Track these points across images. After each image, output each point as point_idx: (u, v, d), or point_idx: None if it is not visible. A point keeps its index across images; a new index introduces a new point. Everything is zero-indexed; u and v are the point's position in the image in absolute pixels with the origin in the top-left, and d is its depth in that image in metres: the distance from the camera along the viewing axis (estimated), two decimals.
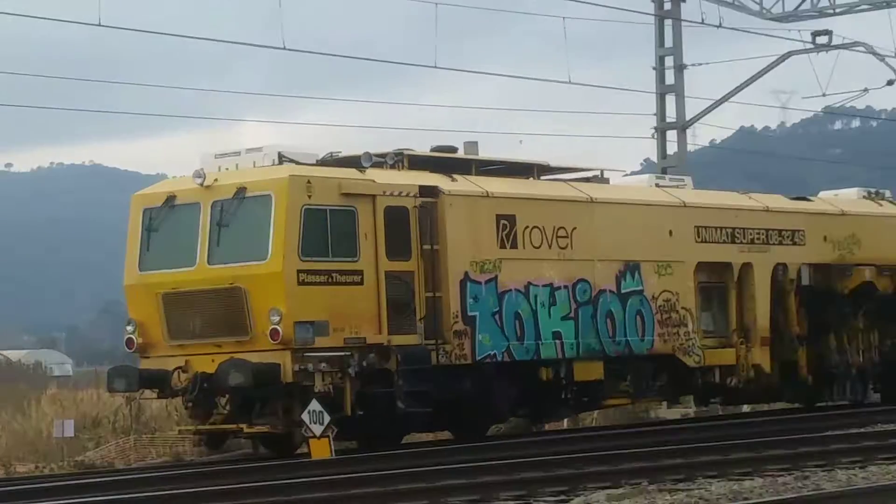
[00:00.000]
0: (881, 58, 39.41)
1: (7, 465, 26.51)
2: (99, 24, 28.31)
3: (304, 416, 22.31)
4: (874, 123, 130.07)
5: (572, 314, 26.14)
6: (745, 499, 15.08)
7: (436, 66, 35.72)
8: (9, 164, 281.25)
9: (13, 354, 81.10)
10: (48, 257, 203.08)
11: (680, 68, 39.92)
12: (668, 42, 39.83)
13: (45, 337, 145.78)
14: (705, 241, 28.73)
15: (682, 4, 39.81)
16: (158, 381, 23.62)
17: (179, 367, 23.33)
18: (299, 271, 22.85)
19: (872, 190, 34.06)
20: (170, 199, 24.10)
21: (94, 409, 32.17)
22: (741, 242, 29.35)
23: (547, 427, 29.29)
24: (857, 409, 30.43)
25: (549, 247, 25.97)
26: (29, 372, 61.68)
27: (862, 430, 24.79)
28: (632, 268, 27.20)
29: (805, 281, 30.68)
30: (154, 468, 24.42)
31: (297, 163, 23.92)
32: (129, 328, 24.17)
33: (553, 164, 28.13)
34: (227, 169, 24.12)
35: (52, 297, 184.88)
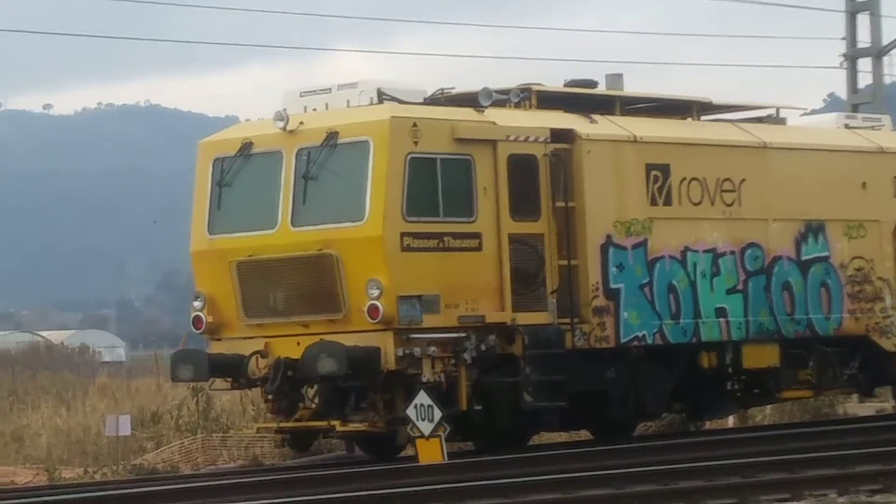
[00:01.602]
0: None
1: (51, 469, 26.87)
2: None
3: (410, 412, 22.45)
4: None
5: (740, 286, 26.12)
6: None
7: None
8: (48, 106, 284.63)
9: (55, 336, 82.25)
10: (94, 220, 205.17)
11: None
12: None
13: (93, 315, 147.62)
14: None
15: None
16: (232, 369, 23.87)
17: (258, 352, 23.55)
18: (403, 234, 22.97)
19: None
20: (245, 146, 24.27)
21: (153, 402, 32.55)
22: None
23: (709, 426, 29.23)
24: None
25: (712, 203, 25.94)
26: (74, 357, 62.55)
27: None
28: (815, 229, 27.10)
29: None
30: (226, 474, 24.67)
31: (401, 101, 23.98)
32: (197, 304, 24.41)
33: (716, 101, 28.05)
34: (314, 110, 24.27)
35: (100, 268, 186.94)
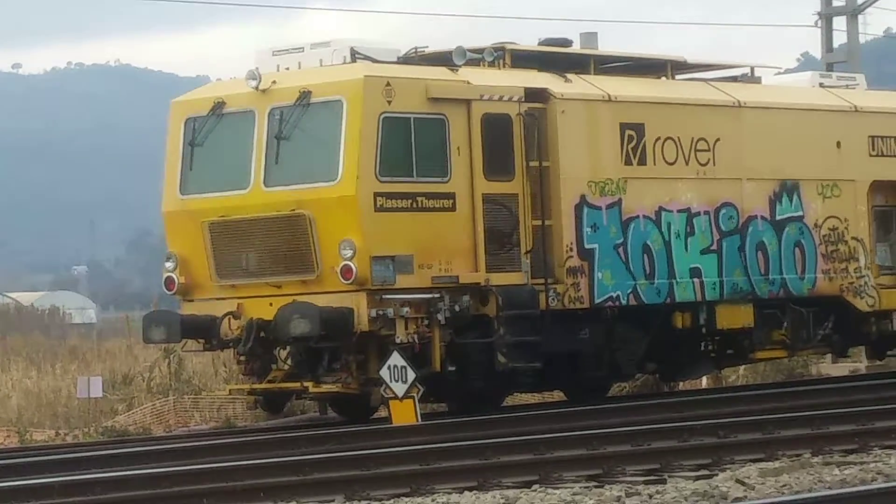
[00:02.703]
0: None
1: (22, 431, 26.86)
2: None
3: (384, 373, 22.48)
4: None
5: (715, 246, 26.16)
6: None
7: None
8: (16, 65, 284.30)
9: (24, 297, 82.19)
10: (64, 179, 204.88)
11: None
12: None
13: (63, 276, 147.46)
14: (882, 155, 28.63)
15: None
16: (204, 330, 23.86)
17: (230, 313, 23.53)
18: (377, 194, 22.96)
19: None
20: (217, 106, 24.22)
21: (124, 364, 32.53)
22: None
23: (682, 386, 29.33)
24: None
25: (687, 163, 25.96)
26: (44, 319, 62.45)
27: None
28: (789, 188, 27.14)
29: None
30: (199, 436, 24.67)
31: (374, 60, 23.97)
32: (169, 265, 24.38)
33: (691, 59, 28.07)
34: (287, 69, 24.25)
35: (71, 229, 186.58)
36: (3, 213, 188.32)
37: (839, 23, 40.03)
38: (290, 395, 24.30)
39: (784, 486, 15.00)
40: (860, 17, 40.10)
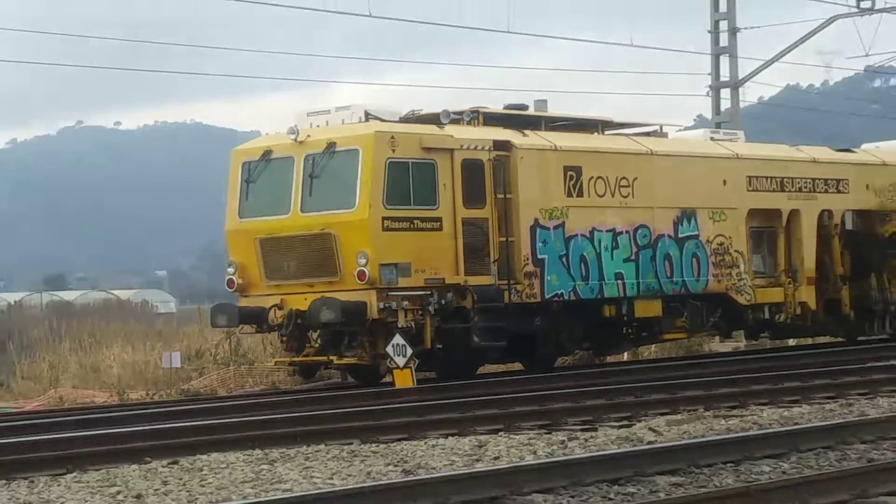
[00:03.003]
0: None
1: (121, 392, 26.86)
2: None
3: (389, 349, 22.48)
4: None
5: (633, 257, 26.14)
6: (795, 424, 15.10)
7: (508, 31, 35.90)
8: (118, 123, 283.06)
9: (122, 294, 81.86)
10: (151, 205, 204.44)
11: (733, 31, 39.66)
12: (723, 7, 39.62)
13: (151, 278, 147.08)
14: (756, 190, 28.63)
15: None
16: (256, 318, 23.82)
17: (276, 305, 23.51)
18: (384, 218, 22.96)
19: None
20: (266, 153, 24.25)
21: (197, 342, 32.48)
22: (790, 191, 29.24)
23: (609, 359, 29.31)
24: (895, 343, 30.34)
25: (612, 195, 25.95)
26: (137, 310, 62.24)
27: None
28: (688, 214, 27.15)
29: (848, 226, 30.62)
30: (252, 396, 24.67)
31: (382, 120, 23.98)
32: (230, 269, 24.36)
33: (616, 119, 28.10)
34: (318, 126, 24.22)
35: (156, 242, 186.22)
36: (106, 232, 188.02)
37: (725, 93, 40.14)
38: (320, 365, 24.30)
39: (684, 432, 15.01)
40: (740, 89, 40.18)
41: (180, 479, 12.49)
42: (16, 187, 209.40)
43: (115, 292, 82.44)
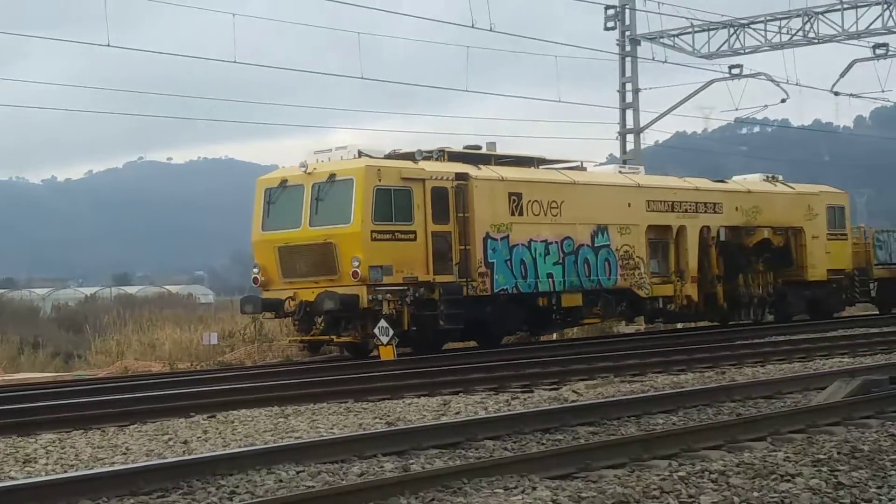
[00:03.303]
0: (776, 83, 39.27)
1: (171, 364, 26.78)
2: (234, 62, 28.37)
3: (376, 331, 22.50)
4: (770, 129, 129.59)
5: (561, 261, 26.21)
6: (682, 387, 15.18)
7: (467, 90, 36.23)
8: (169, 158, 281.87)
9: (172, 288, 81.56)
10: (195, 220, 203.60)
11: (636, 91, 39.85)
12: (628, 73, 39.77)
13: (193, 276, 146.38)
14: (653, 211, 28.75)
15: (638, 47, 39.73)
16: (275, 307, 23.80)
17: (290, 297, 23.49)
18: (372, 231, 22.96)
19: (770, 175, 34.02)
20: (283, 181, 24.21)
21: (229, 325, 32.38)
22: (678, 211, 29.37)
23: (543, 338, 29.40)
24: (757, 326, 30.53)
25: (545, 215, 26.02)
26: (183, 300, 62.05)
27: (761, 340, 24.86)
28: (602, 229, 27.25)
29: (722, 238, 30.77)
30: (272, 366, 24.63)
31: (371, 156, 23.97)
32: (255, 270, 24.33)
33: (547, 157, 28.17)
34: (322, 161, 24.20)
35: (198, 248, 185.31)
36: (160, 241, 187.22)
37: (630, 138, 40.30)
38: (323, 343, 24.27)
39: (599, 394, 15.07)
40: (641, 134, 40.36)
41: (217, 429, 12.47)
42: (91, 206, 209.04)
43: (167, 287, 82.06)
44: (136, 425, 13.04)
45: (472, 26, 30.12)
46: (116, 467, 9.45)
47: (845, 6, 38.26)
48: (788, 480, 8.27)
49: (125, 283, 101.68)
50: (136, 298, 60.40)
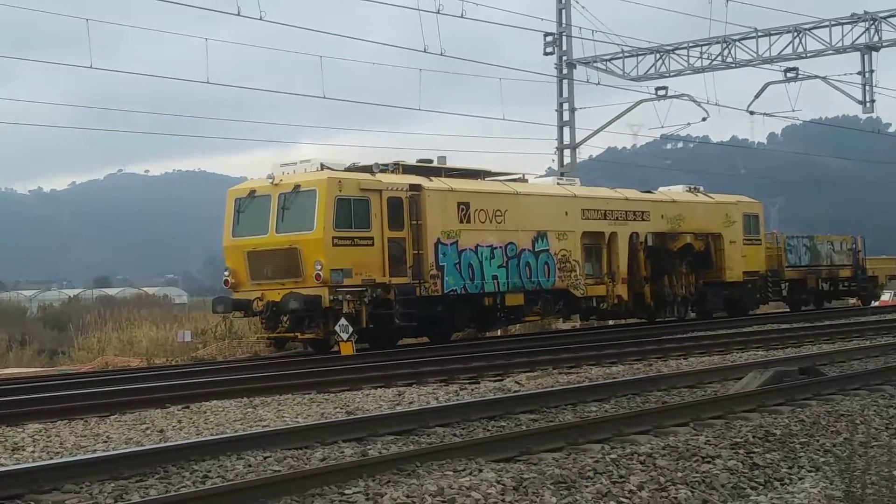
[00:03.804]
0: (698, 103, 39.54)
1: (148, 359, 26.54)
2: (207, 82, 28.16)
3: (337, 328, 22.42)
4: (692, 145, 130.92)
5: (504, 264, 26.26)
6: (614, 378, 15.26)
7: (420, 109, 36.25)
8: (147, 170, 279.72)
9: (149, 290, 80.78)
10: (171, 228, 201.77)
11: (572, 110, 39.98)
12: (565, 93, 39.92)
13: (169, 278, 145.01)
14: (588, 219, 28.87)
15: (574, 70, 39.93)
16: (244, 306, 23.64)
17: (258, 298, 23.35)
18: (334, 237, 22.86)
19: (692, 186, 34.29)
20: (252, 192, 24.05)
21: (202, 324, 32.16)
22: (610, 219, 29.52)
23: (488, 334, 29.46)
24: (681, 323, 30.75)
25: (491, 222, 26.06)
26: (160, 301, 61.47)
27: (685, 335, 25.05)
28: (542, 235, 27.34)
29: (650, 243, 30.99)
30: (241, 360, 24.46)
31: (333, 169, 23.87)
32: (226, 273, 24.16)
33: (493, 170, 28.18)
34: (288, 173, 24.06)
35: (173, 253, 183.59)
36: (139, 246, 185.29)
37: (567, 152, 40.46)
38: (288, 339, 24.10)
39: (539, 384, 15.12)
40: (577, 149, 40.54)
41: (190, 419, 12.37)
42: (74, 215, 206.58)
43: (145, 289, 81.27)
44: (115, 416, 12.90)
45: (425, 51, 30.08)
46: (98, 454, 9.35)
47: (760, 34, 38.70)
48: (709, 462, 8.35)
49: (106, 285, 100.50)
50: (116, 299, 59.74)
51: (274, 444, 9.29)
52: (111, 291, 77.20)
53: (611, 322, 33.57)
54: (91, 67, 27.04)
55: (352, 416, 11.42)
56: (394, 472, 7.84)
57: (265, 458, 8.87)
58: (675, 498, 7.37)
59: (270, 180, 23.67)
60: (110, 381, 18.08)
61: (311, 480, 7.42)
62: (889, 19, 37.55)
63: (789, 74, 39.03)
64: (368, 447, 9.49)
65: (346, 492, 7.26)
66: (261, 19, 26.18)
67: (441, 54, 30.35)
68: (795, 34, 38.33)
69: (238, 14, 25.62)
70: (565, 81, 39.78)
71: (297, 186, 23.21)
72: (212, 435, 10.69)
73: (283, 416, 12.20)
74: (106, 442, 10.75)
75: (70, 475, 8.02)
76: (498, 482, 7.44)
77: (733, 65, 39.47)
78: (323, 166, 23.86)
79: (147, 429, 11.58)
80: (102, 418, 12.71)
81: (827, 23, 38.22)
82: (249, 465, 8.57)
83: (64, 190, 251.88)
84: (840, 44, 37.81)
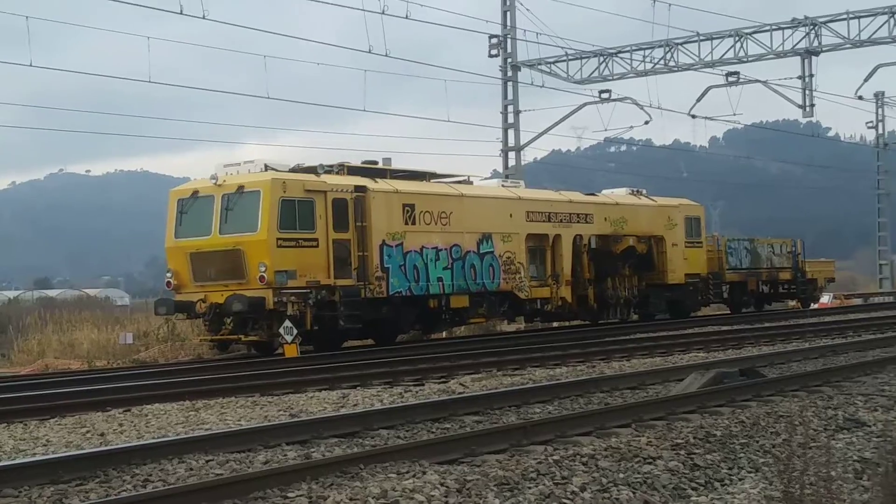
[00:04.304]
0: (641, 107, 39.94)
1: (89, 361, 26.18)
2: (149, 81, 27.88)
3: (281, 330, 22.29)
4: (635, 148, 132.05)
5: (450, 266, 26.30)
6: (557, 380, 15.33)
7: (365, 110, 36.25)
8: (88, 170, 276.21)
9: (91, 291, 79.74)
10: (113, 229, 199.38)
11: (517, 113, 40.16)
12: (510, 96, 40.08)
13: (111, 280, 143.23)
14: (532, 221, 29.02)
15: (519, 73, 40.10)
16: (187, 308, 23.43)
17: (201, 300, 23.14)
18: (278, 239, 22.73)
19: (635, 189, 34.60)
20: (195, 192, 23.84)
21: (144, 326, 31.80)
22: (554, 221, 29.69)
23: (433, 336, 29.48)
24: (624, 325, 30.98)
25: (436, 224, 26.09)
26: (101, 302, 60.65)
27: (627, 337, 25.25)
28: (487, 237, 27.42)
29: (593, 245, 31.20)
30: (184, 363, 24.24)
31: (277, 170, 23.75)
32: (168, 275, 23.93)
33: (438, 171, 28.23)
34: (231, 173, 23.90)
35: (115, 254, 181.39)
36: (80, 247, 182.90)
37: (512, 155, 40.62)
38: (232, 342, 23.95)
39: (483, 386, 15.15)
40: (522, 152, 40.71)
41: (132, 422, 12.24)
42: (14, 215, 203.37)
43: (86, 290, 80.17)
44: (55, 419, 12.73)
45: (369, 51, 30.02)
46: (38, 458, 9.22)
47: (702, 38, 39.17)
48: (650, 462, 8.43)
49: (46, 286, 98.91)
50: (57, 301, 58.72)
51: (216, 448, 9.22)
52: (52, 293, 75.96)
53: (555, 324, 33.75)
54: (31, 66, 26.67)
55: (295, 419, 11.37)
56: (337, 475, 7.82)
57: (207, 461, 8.80)
58: (617, 499, 7.43)
59: (214, 181, 23.48)
60: (50, 384, 17.83)
61: (253, 483, 7.38)
62: (828, 24, 38.19)
63: (731, 78, 39.55)
64: (312, 450, 9.45)
65: (289, 495, 7.22)
66: (204, 18, 25.97)
67: (386, 55, 30.35)
68: (737, 38, 38.85)
69: (181, 13, 25.40)
70: (510, 84, 39.96)
71: (240, 187, 23.05)
72: (153, 438, 10.58)
73: (226, 419, 12.11)
74: (45, 445, 10.60)
75: (9, 479, 7.90)
76: (441, 484, 7.45)
77: (676, 69, 39.91)
78: (267, 167, 23.72)
79: (87, 432, 11.44)
80: (42, 421, 12.53)
81: (768, 27, 38.81)
82: (191, 469, 8.50)
83: (3, 190, 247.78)
84: (781, 48, 38.41)
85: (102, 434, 11.24)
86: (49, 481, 8.02)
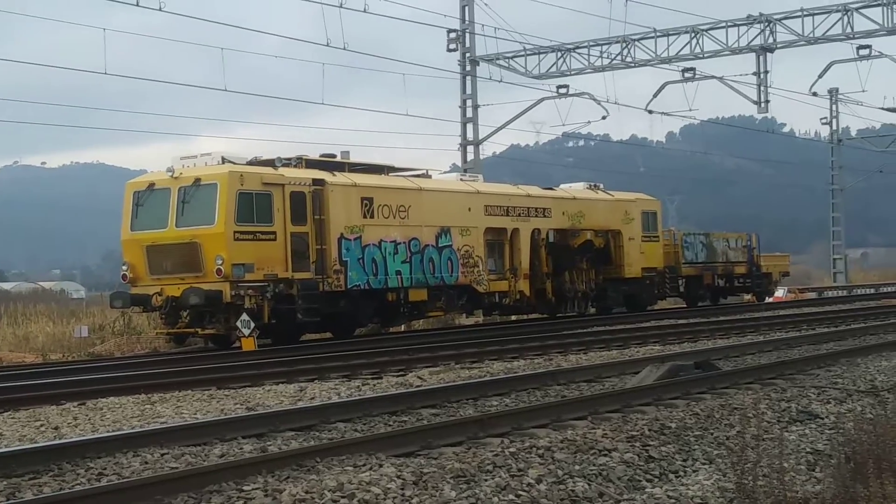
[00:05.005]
0: (598, 102, 40.13)
1: (44, 355, 25.90)
2: (105, 73, 27.57)
3: (238, 323, 22.16)
4: (593, 143, 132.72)
5: (408, 259, 26.28)
6: (514, 373, 15.37)
7: (323, 103, 36.09)
8: (43, 162, 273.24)
9: (46, 284, 78.84)
10: (69, 222, 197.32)
11: (475, 107, 40.17)
12: (469, 90, 40.09)
13: (67, 273, 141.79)
14: (491, 215, 29.07)
15: (477, 67, 40.11)
16: (143, 301, 23.20)
17: (157, 293, 22.94)
18: (235, 232, 22.60)
19: (592, 184, 34.76)
20: (151, 185, 23.64)
21: (100, 319, 31.52)
22: (512, 216, 29.76)
23: (392, 329, 29.45)
24: (581, 318, 31.14)
25: (394, 217, 26.06)
26: (57, 295, 60.03)
27: (585, 330, 25.35)
28: (445, 231, 27.43)
29: (551, 239, 31.31)
30: (140, 356, 24.02)
31: (234, 163, 23.60)
32: (124, 268, 23.70)
33: (396, 165, 28.21)
34: (188, 166, 23.71)
35: (72, 247, 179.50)
36: (36, 240, 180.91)
37: (470, 149, 40.62)
38: (188, 335, 23.80)
39: (441, 379, 15.15)
40: (480, 146, 40.74)
41: (86, 415, 12.11)
42: None
43: (41, 283, 79.30)
44: (9, 412, 12.57)
45: (328, 44, 29.91)
46: None
47: (658, 34, 39.40)
48: (606, 455, 8.47)
49: (1, 279, 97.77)
50: (11, 294, 58.10)
51: (172, 441, 9.15)
52: (6, 286, 75.11)
53: (513, 317, 33.85)
54: None
55: (252, 413, 11.31)
56: (293, 468, 7.79)
57: (162, 454, 8.73)
58: (573, 491, 7.46)
59: (170, 173, 23.29)
60: (4, 377, 17.60)
61: (208, 477, 7.33)
62: (783, 21, 38.57)
63: (687, 74, 39.82)
64: (268, 443, 9.40)
65: (245, 488, 7.18)
66: (160, 10, 25.73)
67: (344, 48, 30.23)
68: (693, 35, 39.12)
69: (137, 4, 25.13)
70: (468, 78, 39.97)
71: (197, 180, 22.88)
72: (108, 432, 10.48)
73: (182, 413, 12.03)
74: None
75: None
76: (398, 476, 7.44)
77: (632, 64, 40.11)
78: (224, 160, 23.57)
79: (41, 426, 11.31)
80: None
81: (723, 24, 39.11)
82: (146, 463, 8.43)
83: None
84: (736, 45, 38.72)
85: (57, 428, 11.12)
86: (2, 475, 7.91)
